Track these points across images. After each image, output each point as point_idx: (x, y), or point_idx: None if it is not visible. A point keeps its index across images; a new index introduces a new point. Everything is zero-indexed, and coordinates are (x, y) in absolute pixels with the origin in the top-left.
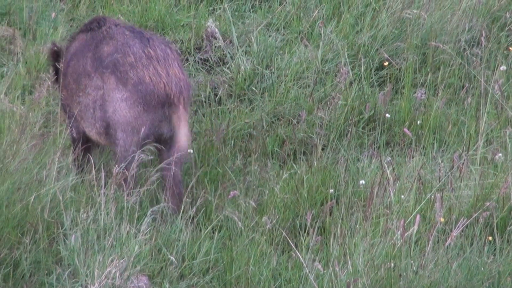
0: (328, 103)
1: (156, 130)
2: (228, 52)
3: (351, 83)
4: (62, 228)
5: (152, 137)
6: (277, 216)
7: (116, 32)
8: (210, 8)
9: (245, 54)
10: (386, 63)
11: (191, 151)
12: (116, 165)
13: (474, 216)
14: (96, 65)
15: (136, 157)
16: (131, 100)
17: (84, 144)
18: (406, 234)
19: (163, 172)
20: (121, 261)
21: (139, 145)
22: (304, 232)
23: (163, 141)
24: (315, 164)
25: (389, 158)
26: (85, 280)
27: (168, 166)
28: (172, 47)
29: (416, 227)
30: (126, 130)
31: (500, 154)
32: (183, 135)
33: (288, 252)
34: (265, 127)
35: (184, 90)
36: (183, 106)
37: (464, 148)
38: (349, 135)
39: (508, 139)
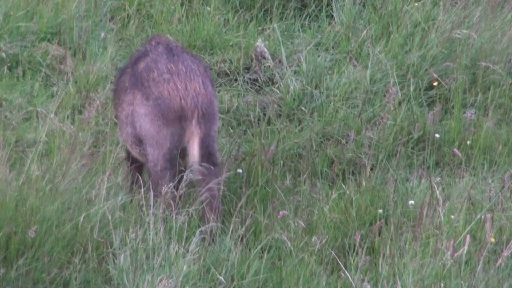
0: (377, 123)
1: (178, 144)
2: (277, 72)
3: (400, 103)
4: (111, 248)
5: (176, 151)
6: (326, 236)
7: (153, 49)
8: (259, 28)
9: (294, 74)
10: (435, 83)
11: (240, 170)
12: (150, 181)
13: None
14: (131, 81)
15: (185, 176)
16: (151, 115)
17: (134, 163)
18: (456, 255)
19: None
20: (169, 281)
21: (167, 159)
22: (353, 252)
23: (187, 156)
24: (364, 184)
25: (439, 178)
26: None
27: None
28: (202, 63)
29: (466, 247)
30: (152, 145)
31: None
32: (193, 150)
33: (337, 272)
34: (314, 147)
35: (200, 104)
36: (196, 121)
37: None
38: (398, 155)
39: None
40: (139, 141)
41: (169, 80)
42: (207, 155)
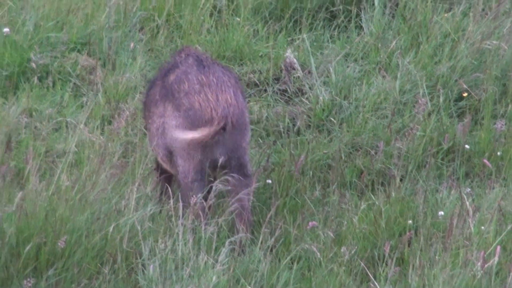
0: (406, 134)
1: (209, 156)
2: (307, 83)
3: (429, 114)
4: (140, 258)
5: (207, 163)
6: (356, 247)
7: (182, 61)
8: (289, 39)
9: (324, 85)
10: (465, 94)
11: (270, 181)
12: (179, 193)
13: None
14: (162, 93)
15: (214, 187)
16: (182, 126)
17: (163, 174)
18: (486, 266)
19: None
20: None
21: (197, 171)
22: (383, 263)
23: (220, 167)
24: (393, 195)
25: (469, 189)
26: None
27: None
28: (233, 75)
29: (496, 258)
30: (183, 156)
31: None
32: (184, 134)
33: (367, 282)
34: (343, 157)
35: (231, 115)
36: (217, 129)
37: None
38: (427, 166)
39: None
40: (169, 153)
41: (200, 91)
42: (239, 166)
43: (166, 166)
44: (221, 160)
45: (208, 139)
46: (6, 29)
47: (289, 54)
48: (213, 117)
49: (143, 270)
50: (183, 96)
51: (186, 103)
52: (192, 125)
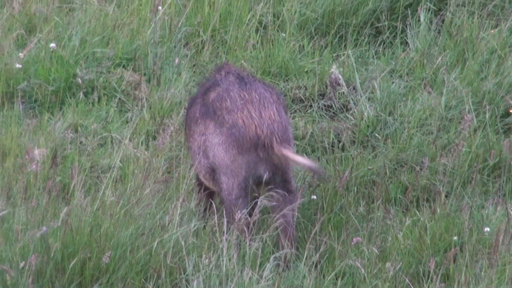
0: (452, 150)
1: (253, 173)
2: (352, 99)
3: (475, 130)
4: (184, 274)
5: (251, 180)
6: (400, 263)
7: (223, 78)
8: (334, 54)
9: (368, 101)
10: (511, 110)
11: (314, 197)
12: (224, 209)
13: None
14: (202, 111)
15: (259, 202)
16: (226, 144)
17: (206, 190)
18: None
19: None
20: None
21: (241, 188)
22: (428, 279)
23: (264, 184)
24: (439, 211)
25: None
26: None
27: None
28: (275, 91)
29: None
30: (227, 174)
31: None
32: (300, 162)
33: None
34: (388, 173)
35: (276, 131)
36: (278, 144)
37: None
38: (473, 182)
39: None
40: (212, 171)
41: (243, 108)
42: (283, 182)
43: (208, 183)
44: (265, 176)
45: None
46: (52, 45)
47: (334, 70)
48: (258, 134)
49: (187, 286)
50: (225, 114)
51: (229, 121)
52: (236, 142)
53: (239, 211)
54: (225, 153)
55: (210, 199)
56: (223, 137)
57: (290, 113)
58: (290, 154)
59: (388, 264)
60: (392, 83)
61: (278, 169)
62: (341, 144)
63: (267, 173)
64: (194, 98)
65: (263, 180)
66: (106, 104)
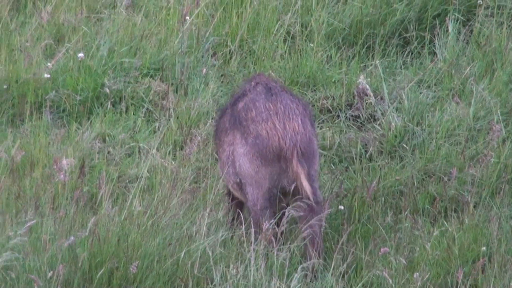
0: (480, 160)
1: (277, 184)
2: (379, 109)
3: (504, 140)
4: (211, 284)
5: (275, 190)
6: (428, 273)
7: (252, 89)
8: (362, 65)
9: (396, 111)
10: None
11: (342, 207)
12: (251, 219)
13: None
14: (231, 121)
15: (286, 213)
16: (250, 154)
17: (235, 199)
18: None
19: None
20: None
21: (266, 198)
22: None
23: (288, 194)
24: (467, 221)
25: None
26: None
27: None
28: (301, 102)
29: None
30: (252, 184)
31: None
32: (304, 187)
33: None
34: (415, 184)
35: (299, 143)
36: (297, 160)
37: None
38: (501, 192)
39: None
40: (239, 180)
41: (268, 119)
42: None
43: (236, 193)
44: (289, 187)
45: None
46: (80, 54)
47: (362, 80)
48: (281, 146)
49: None
50: (250, 124)
51: (254, 131)
52: (260, 153)
53: (266, 222)
54: (250, 164)
55: (238, 209)
56: (248, 147)
57: (318, 123)
58: (302, 175)
59: (416, 275)
60: (420, 93)
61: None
62: (368, 154)
63: (292, 184)
64: (225, 108)
65: (288, 191)
66: (133, 114)
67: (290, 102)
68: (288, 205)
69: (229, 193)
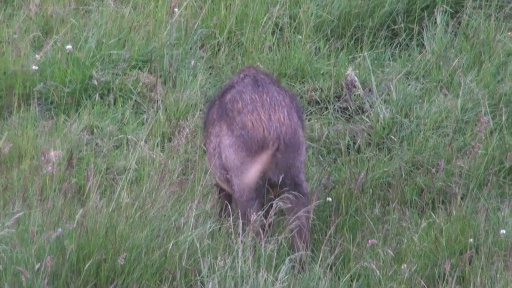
0: (468, 152)
1: (262, 175)
2: (367, 101)
3: (491, 132)
4: (199, 276)
5: (262, 181)
6: (416, 265)
7: (239, 81)
8: (350, 57)
9: (384, 103)
10: None
11: (330, 199)
12: (238, 211)
13: None
14: (218, 113)
15: (274, 205)
16: (235, 146)
17: (223, 191)
18: None
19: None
20: None
21: (252, 189)
22: (443, 281)
23: (275, 186)
24: (454, 213)
25: None
26: None
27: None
28: (288, 94)
29: None
30: (237, 175)
31: None
32: (249, 174)
33: None
34: (403, 175)
35: (283, 135)
36: (272, 152)
37: None
38: (489, 184)
39: None
40: (226, 172)
41: (253, 110)
42: (294, 185)
43: (223, 185)
44: (275, 179)
45: (268, 163)
46: (68, 46)
47: (350, 72)
48: (266, 137)
49: (202, 287)
50: (236, 115)
51: (239, 122)
52: (245, 144)
53: (254, 213)
54: (235, 155)
55: (226, 201)
56: (234, 139)
57: (306, 115)
58: (259, 166)
59: (403, 266)
60: (408, 85)
61: (288, 172)
62: (356, 146)
63: (277, 175)
64: (213, 100)
65: (274, 183)
66: (121, 106)
67: (277, 94)
68: (276, 196)
69: (217, 184)
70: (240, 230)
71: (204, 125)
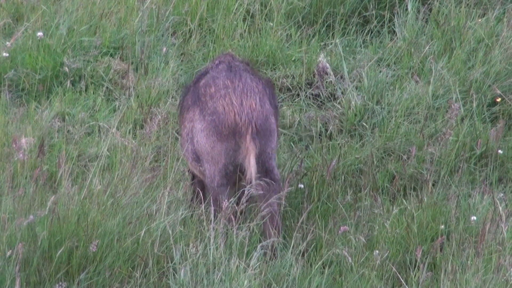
0: (439, 139)
1: (232, 160)
2: (339, 87)
3: (462, 119)
4: (171, 262)
5: (231, 167)
6: (387, 252)
7: (214, 67)
8: (322, 43)
9: (356, 90)
10: (498, 99)
11: (302, 186)
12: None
13: None
14: (192, 98)
15: (246, 191)
16: (206, 131)
17: (195, 178)
18: None
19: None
20: None
21: (223, 175)
22: (414, 267)
23: (245, 171)
24: (426, 200)
25: (502, 194)
26: None
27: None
28: (262, 81)
29: None
30: (208, 161)
31: None
32: (250, 166)
33: (398, 287)
34: (375, 162)
35: (255, 120)
36: (250, 137)
37: None
38: (460, 171)
39: None
40: (198, 157)
41: (225, 95)
42: (264, 172)
43: (195, 170)
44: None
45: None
46: (39, 33)
47: (322, 59)
48: (237, 122)
49: (174, 274)
50: (208, 100)
51: (211, 107)
52: (216, 129)
53: (225, 200)
54: (206, 140)
55: (198, 188)
56: (205, 123)
57: (278, 102)
58: (252, 152)
59: (375, 253)
60: (380, 72)
61: (258, 158)
62: (328, 133)
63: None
64: (188, 86)
65: (245, 169)
66: (93, 92)
67: (250, 81)
68: (248, 183)
69: (189, 171)
70: (212, 217)
71: (179, 111)
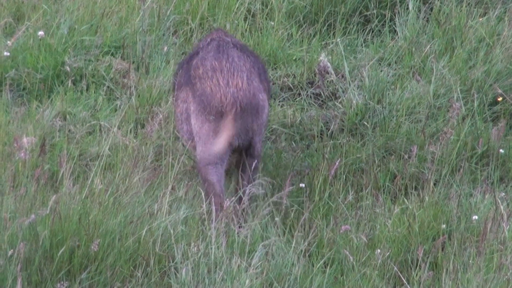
0: (440, 138)
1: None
2: (340, 87)
3: (463, 118)
4: (173, 262)
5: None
6: (389, 251)
7: (205, 46)
8: (323, 43)
9: (357, 89)
10: (500, 99)
11: (303, 185)
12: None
13: None
14: (185, 78)
15: (247, 191)
16: (196, 111)
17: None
18: None
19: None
20: None
21: (213, 155)
22: (416, 267)
23: (236, 151)
24: (427, 199)
25: (503, 193)
26: None
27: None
28: (250, 59)
29: None
30: (199, 142)
31: None
32: (218, 142)
33: (400, 286)
34: (376, 161)
35: (240, 100)
36: (233, 116)
37: None
38: (461, 170)
39: None
40: (192, 137)
41: (213, 76)
42: (247, 145)
43: (191, 149)
44: (235, 143)
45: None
46: (40, 33)
47: (323, 58)
48: (222, 102)
49: (175, 274)
50: (198, 82)
51: (200, 89)
52: (204, 110)
53: (215, 180)
54: (196, 120)
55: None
56: (196, 104)
57: (279, 102)
58: (227, 131)
59: (376, 252)
60: (381, 71)
61: (245, 135)
62: (329, 132)
63: (237, 139)
64: (182, 63)
65: (235, 147)
66: (94, 92)
67: (237, 59)
68: (237, 162)
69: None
70: (214, 216)
71: (173, 87)
